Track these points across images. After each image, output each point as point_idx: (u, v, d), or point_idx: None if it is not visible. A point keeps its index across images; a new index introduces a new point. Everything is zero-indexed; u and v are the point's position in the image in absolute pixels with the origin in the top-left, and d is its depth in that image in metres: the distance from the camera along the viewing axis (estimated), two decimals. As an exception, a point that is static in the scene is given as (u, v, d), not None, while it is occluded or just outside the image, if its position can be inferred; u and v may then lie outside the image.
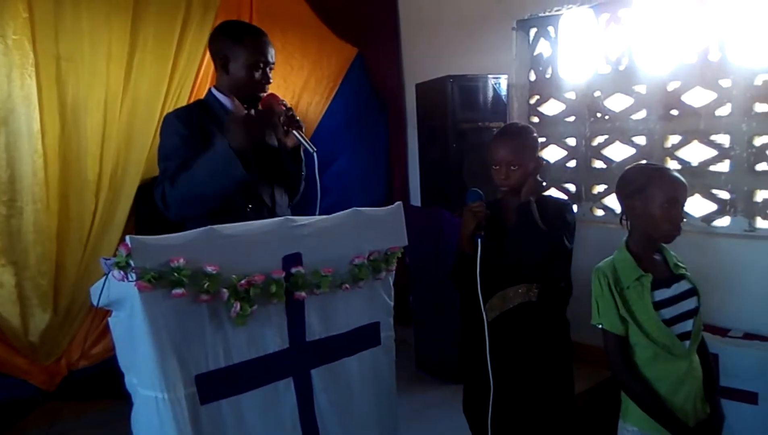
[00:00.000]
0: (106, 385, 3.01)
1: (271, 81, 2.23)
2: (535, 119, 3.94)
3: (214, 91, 2.23)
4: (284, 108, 2.21)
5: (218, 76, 2.24)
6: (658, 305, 1.77)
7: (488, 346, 1.97)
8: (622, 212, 1.88)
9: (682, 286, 1.81)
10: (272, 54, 2.22)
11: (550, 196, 2.19)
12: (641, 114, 3.39)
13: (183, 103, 3.25)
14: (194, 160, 2.02)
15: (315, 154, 2.16)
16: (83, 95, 2.98)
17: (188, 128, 2.10)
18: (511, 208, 2.06)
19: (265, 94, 2.23)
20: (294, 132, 2.19)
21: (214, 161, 1.99)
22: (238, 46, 2.15)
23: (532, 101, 3.95)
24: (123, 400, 1.79)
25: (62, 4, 2.88)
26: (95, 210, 3.10)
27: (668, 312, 1.77)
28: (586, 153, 3.66)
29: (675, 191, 1.76)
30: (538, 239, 1.96)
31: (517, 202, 2.03)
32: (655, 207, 1.75)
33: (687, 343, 1.78)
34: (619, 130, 3.49)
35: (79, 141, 3.00)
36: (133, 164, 3.17)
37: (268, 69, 2.21)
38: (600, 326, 1.81)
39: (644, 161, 3.33)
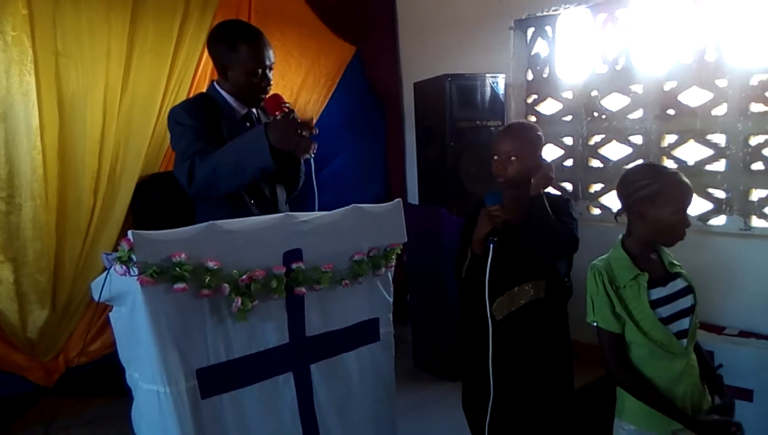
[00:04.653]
0: (104, 381, 3.02)
1: (272, 82, 2.25)
2: (533, 118, 3.94)
3: (216, 86, 2.26)
4: (287, 110, 2.21)
5: (219, 76, 2.27)
6: (655, 304, 1.77)
7: (491, 348, 1.99)
8: (621, 210, 1.86)
9: (677, 285, 1.82)
10: (270, 55, 2.22)
11: (548, 192, 2.21)
12: (638, 113, 3.40)
13: (182, 99, 3.22)
14: (226, 144, 2.09)
15: (312, 159, 2.18)
16: (82, 92, 2.97)
17: (196, 118, 2.14)
18: (511, 205, 2.07)
19: (267, 96, 2.24)
20: None
21: (247, 142, 2.03)
22: (234, 53, 2.18)
23: (530, 100, 3.96)
24: (121, 396, 1.80)
25: (61, 1, 2.87)
26: (94, 206, 3.09)
27: (665, 310, 1.78)
28: (583, 152, 3.68)
29: (688, 199, 1.76)
30: (553, 230, 1.97)
31: (517, 197, 2.05)
32: (668, 214, 1.74)
33: (684, 341, 1.79)
34: (616, 129, 3.50)
35: (77, 137, 2.99)
36: (131, 161, 3.17)
37: (267, 71, 2.22)
38: (595, 324, 1.81)
39: (640, 160, 3.35)
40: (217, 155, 2.07)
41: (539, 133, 2.12)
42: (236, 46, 2.17)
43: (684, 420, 1.73)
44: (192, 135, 2.14)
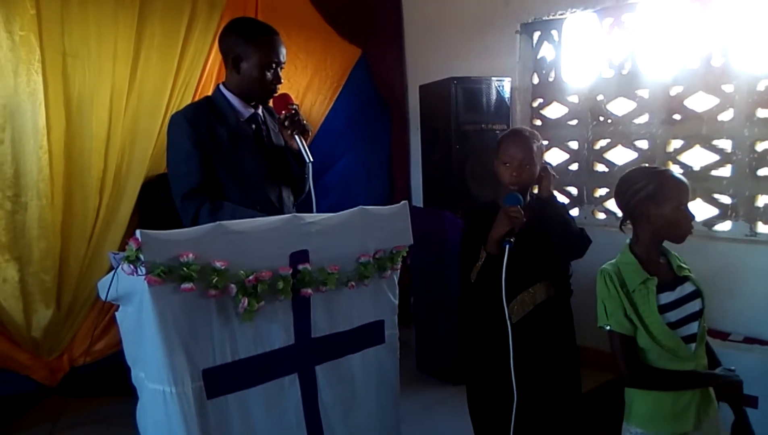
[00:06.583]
0: (109, 381, 3.03)
1: (282, 81, 2.22)
2: (538, 122, 3.95)
3: (222, 88, 2.21)
4: (294, 111, 2.19)
5: (228, 73, 2.22)
6: (663, 308, 1.76)
7: (512, 351, 1.99)
8: (625, 217, 1.87)
9: (686, 289, 1.81)
10: (284, 54, 2.20)
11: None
12: (644, 118, 3.40)
13: (188, 100, 3.26)
14: (241, 210, 2.03)
15: (310, 164, 2.16)
16: (89, 92, 2.99)
17: (196, 129, 2.09)
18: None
19: (276, 95, 2.22)
20: (296, 137, 2.17)
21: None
22: (252, 45, 2.13)
23: (535, 104, 3.96)
24: (126, 396, 1.80)
25: (69, 1, 2.88)
26: (99, 206, 3.10)
27: (673, 315, 1.77)
28: (588, 156, 3.67)
29: (686, 193, 1.78)
30: (574, 227, 2.10)
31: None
32: (670, 210, 1.75)
33: (692, 345, 1.78)
34: (622, 133, 3.50)
35: (84, 137, 3.01)
36: (137, 161, 3.18)
37: (279, 69, 2.19)
38: (608, 328, 1.78)
39: (646, 164, 3.34)
40: (225, 215, 1.98)
41: (541, 140, 2.21)
42: (255, 38, 2.14)
43: (706, 380, 1.79)
44: (190, 160, 2.09)
